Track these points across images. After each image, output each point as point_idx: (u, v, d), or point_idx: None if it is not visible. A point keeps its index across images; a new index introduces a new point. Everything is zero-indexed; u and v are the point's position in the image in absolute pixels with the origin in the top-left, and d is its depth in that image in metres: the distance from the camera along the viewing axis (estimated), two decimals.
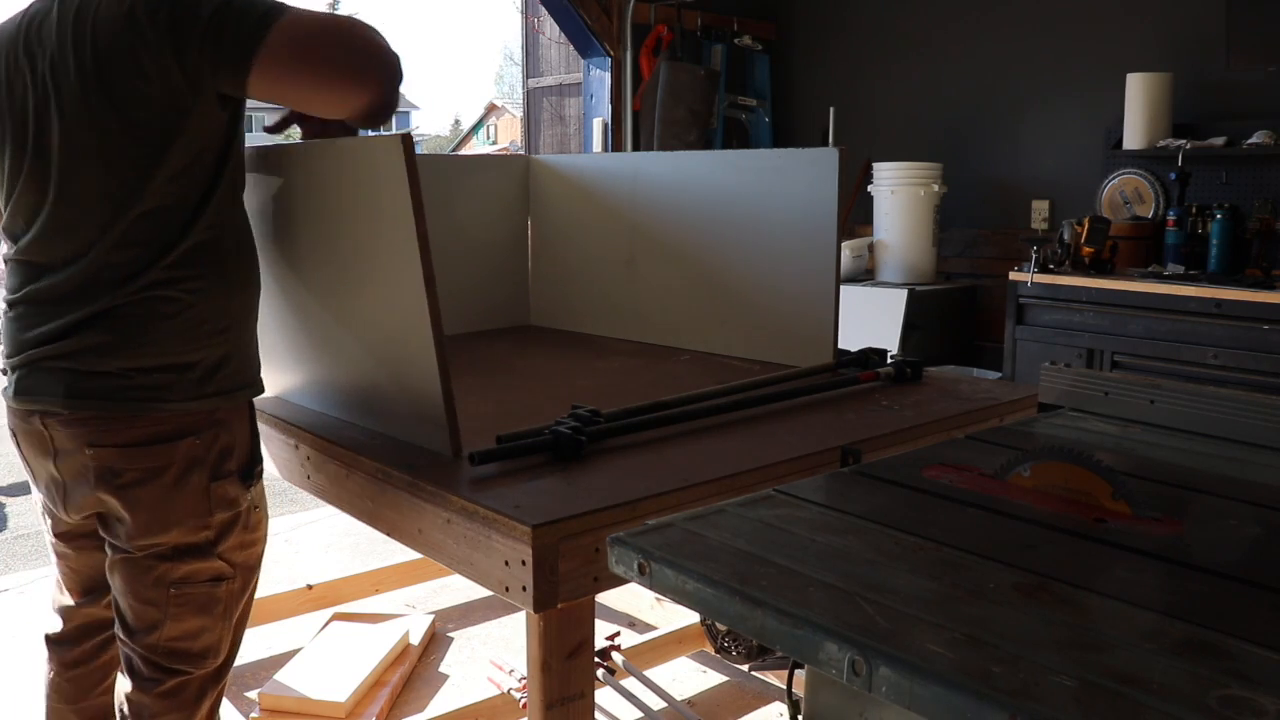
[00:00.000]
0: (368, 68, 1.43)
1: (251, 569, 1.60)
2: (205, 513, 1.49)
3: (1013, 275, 4.14)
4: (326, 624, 2.88)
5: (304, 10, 1.40)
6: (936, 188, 4.76)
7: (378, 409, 1.72)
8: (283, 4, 1.39)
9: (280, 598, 2.93)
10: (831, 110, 4.94)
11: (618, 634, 2.53)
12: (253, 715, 2.44)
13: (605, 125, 5.31)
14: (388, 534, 1.54)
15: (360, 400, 1.77)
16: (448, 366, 1.51)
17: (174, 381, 1.43)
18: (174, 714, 1.53)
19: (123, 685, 1.57)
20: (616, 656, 2.42)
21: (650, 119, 5.15)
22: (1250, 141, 3.94)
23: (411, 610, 3.13)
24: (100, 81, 1.35)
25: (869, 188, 4.93)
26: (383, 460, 1.54)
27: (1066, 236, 4.03)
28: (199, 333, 1.45)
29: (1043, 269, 4.05)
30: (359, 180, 1.58)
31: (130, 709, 1.54)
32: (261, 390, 1.59)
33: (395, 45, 1.46)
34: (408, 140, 1.47)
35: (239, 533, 1.54)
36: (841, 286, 2.17)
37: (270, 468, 1.91)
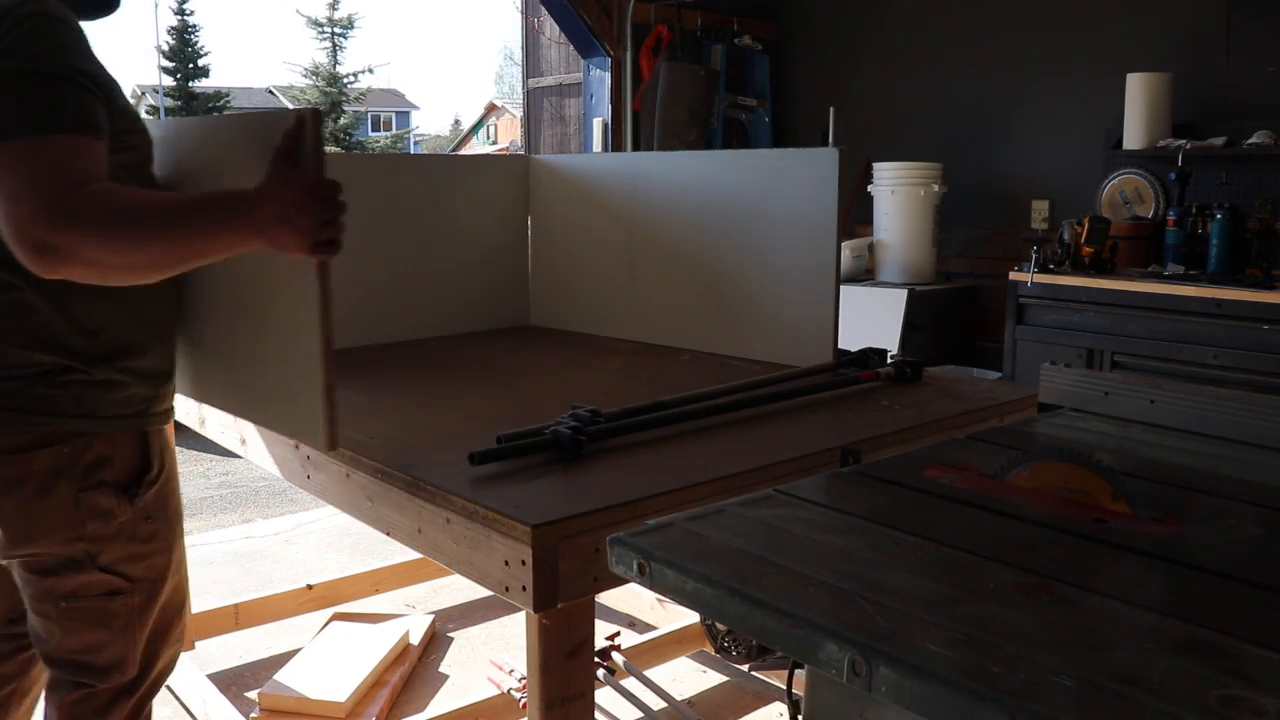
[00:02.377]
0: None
1: (156, 581, 1.53)
2: (76, 524, 1.42)
3: (1013, 275, 4.14)
4: (326, 624, 2.88)
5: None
6: (936, 188, 4.76)
7: (257, 397, 1.63)
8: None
9: (280, 598, 2.93)
10: (831, 110, 4.94)
11: (618, 634, 2.53)
12: (253, 715, 2.44)
13: (605, 125, 5.31)
14: (388, 534, 1.54)
15: (242, 386, 1.66)
16: (332, 352, 1.46)
17: (21, 390, 1.38)
18: None
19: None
20: (616, 656, 2.42)
21: (650, 119, 5.15)
22: (1250, 141, 3.94)
23: (411, 610, 3.13)
24: None
25: (869, 188, 4.93)
26: (383, 460, 1.54)
27: (1066, 236, 4.03)
28: (47, 338, 1.39)
29: (1043, 269, 4.05)
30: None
31: (45, 715, 1.53)
32: (159, 409, 1.52)
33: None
34: (315, 115, 1.40)
35: (125, 545, 1.47)
36: (841, 286, 2.17)
37: (270, 468, 1.91)
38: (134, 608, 1.51)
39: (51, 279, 1.27)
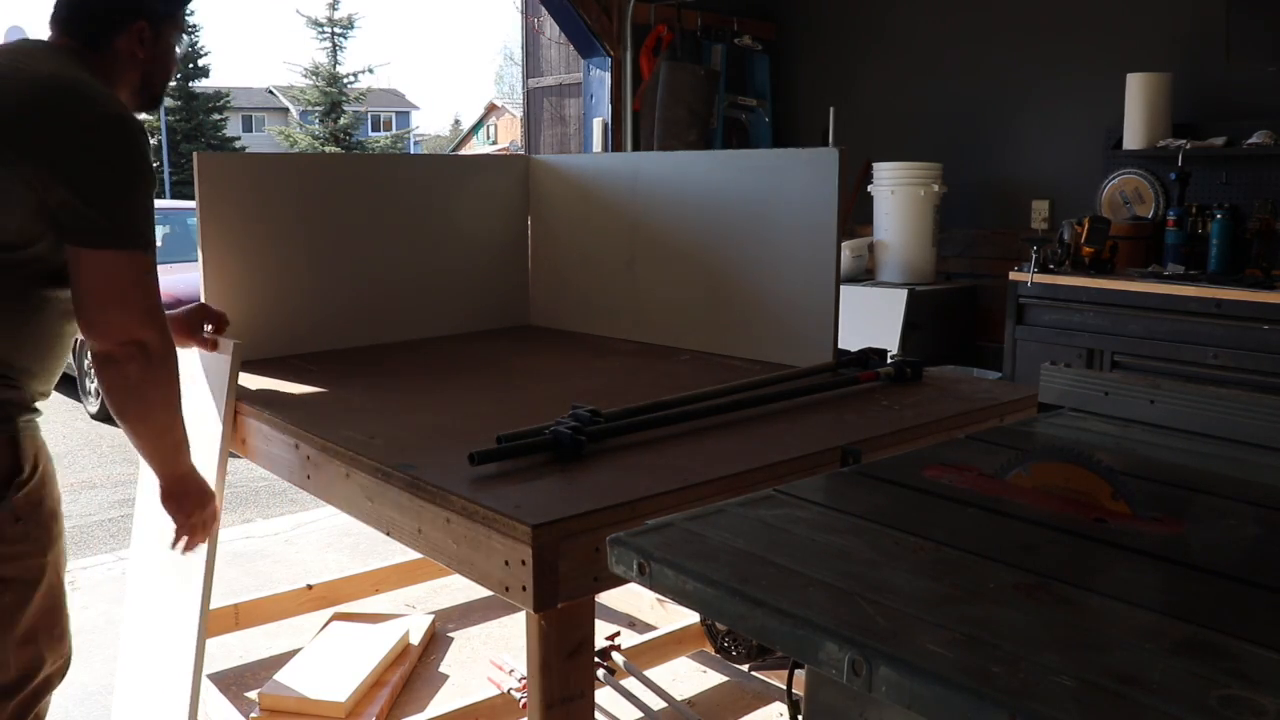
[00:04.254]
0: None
1: (30, 583, 1.53)
2: None
3: (1013, 275, 4.14)
4: (326, 624, 2.88)
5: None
6: (936, 188, 4.76)
7: None
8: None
9: (280, 598, 2.93)
10: (831, 110, 4.94)
11: (618, 634, 2.53)
12: (253, 715, 2.44)
13: (605, 125, 5.31)
14: (388, 534, 1.54)
15: None
16: None
17: None
18: None
19: None
20: (616, 656, 2.42)
21: (650, 119, 5.15)
22: (1250, 141, 3.94)
23: (411, 610, 3.13)
24: None
25: (869, 188, 4.93)
26: (383, 460, 1.54)
27: (1066, 236, 4.03)
28: None
29: (1043, 269, 4.05)
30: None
31: None
32: (27, 413, 1.57)
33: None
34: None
35: None
36: (841, 286, 2.17)
37: (270, 467, 1.91)
38: (7, 608, 1.52)
39: None
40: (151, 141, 1.62)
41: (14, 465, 1.52)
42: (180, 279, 7.00)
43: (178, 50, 1.84)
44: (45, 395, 1.63)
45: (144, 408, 1.60)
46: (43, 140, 1.46)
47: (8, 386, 1.52)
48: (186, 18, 1.84)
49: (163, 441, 1.67)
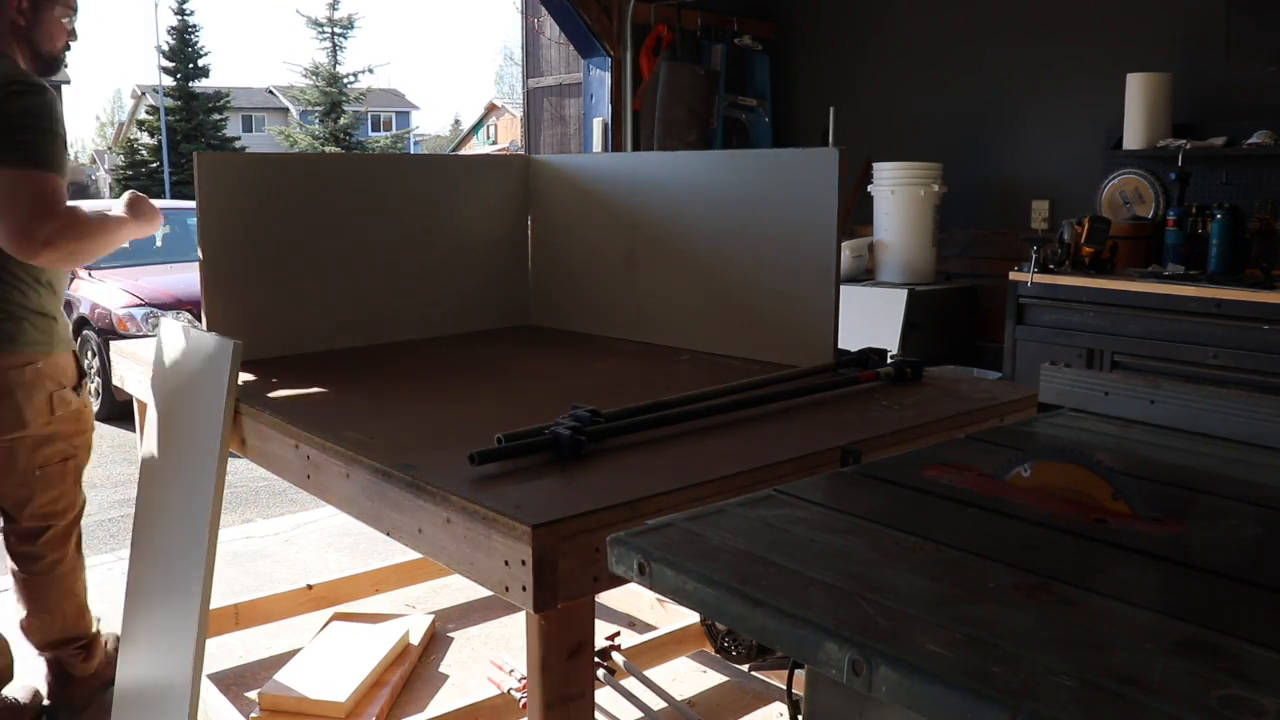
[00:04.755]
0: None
1: (87, 448, 2.44)
2: (49, 413, 2.28)
3: (1013, 275, 4.14)
4: (326, 624, 2.88)
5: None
6: (936, 188, 4.76)
7: None
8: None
9: (280, 598, 2.93)
10: (831, 110, 4.94)
11: (618, 634, 2.53)
12: (253, 715, 2.44)
13: (605, 125, 5.31)
14: (388, 534, 1.54)
15: None
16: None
17: None
18: None
19: None
20: (616, 656, 2.42)
21: (650, 119, 5.15)
22: (1250, 141, 3.94)
23: (411, 610, 3.13)
24: None
25: (869, 188, 4.93)
26: (383, 460, 1.54)
27: (1066, 236, 4.03)
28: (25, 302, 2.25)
29: (1043, 269, 4.05)
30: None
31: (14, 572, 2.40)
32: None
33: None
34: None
35: (72, 423, 2.34)
36: (841, 286, 2.17)
37: (271, 468, 1.91)
38: (78, 466, 2.39)
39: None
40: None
41: (80, 369, 2.40)
42: (180, 279, 7.02)
43: (65, 23, 2.30)
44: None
45: (89, 258, 2.27)
46: None
47: (56, 321, 2.32)
48: None
49: (116, 242, 2.29)
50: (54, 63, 2.30)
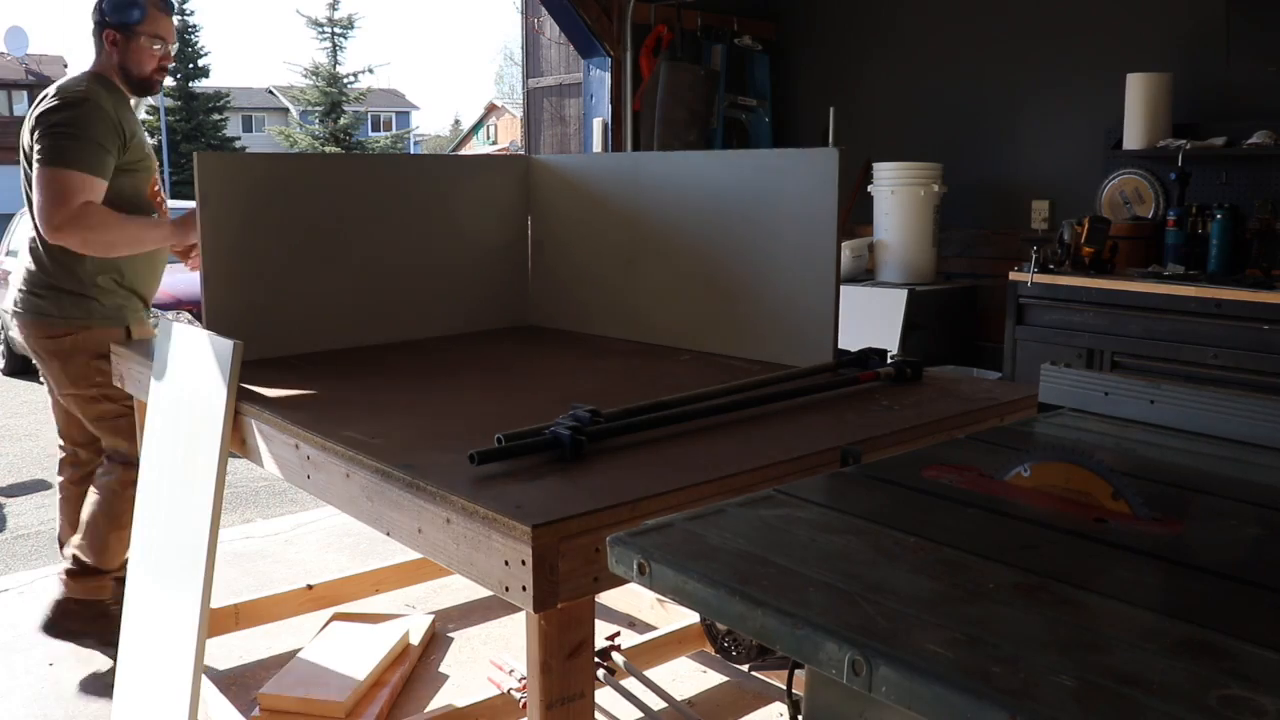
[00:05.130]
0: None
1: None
2: (92, 376, 2.66)
3: (1013, 275, 4.14)
4: (326, 624, 2.88)
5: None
6: (936, 188, 4.76)
7: None
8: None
9: (280, 598, 2.93)
10: (831, 110, 4.94)
11: (618, 634, 2.53)
12: (253, 715, 2.44)
13: (605, 125, 5.31)
14: (388, 534, 1.54)
15: None
16: None
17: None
18: None
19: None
20: (616, 656, 2.42)
21: (650, 119, 5.15)
22: (1250, 141, 3.94)
23: (411, 610, 3.13)
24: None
25: (869, 188, 4.93)
26: (383, 460, 1.54)
27: (1066, 236, 4.03)
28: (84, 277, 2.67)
29: (1043, 269, 4.05)
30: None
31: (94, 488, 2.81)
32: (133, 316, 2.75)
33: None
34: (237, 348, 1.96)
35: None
36: (841, 286, 2.17)
37: (271, 468, 1.91)
38: (131, 425, 2.61)
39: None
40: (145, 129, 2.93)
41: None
42: (180, 279, 6.99)
43: (154, 50, 2.69)
44: (139, 304, 2.79)
45: (110, 250, 2.62)
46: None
47: (126, 291, 2.73)
48: (156, 23, 2.68)
49: (141, 240, 2.65)
50: (146, 84, 2.74)
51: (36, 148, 2.52)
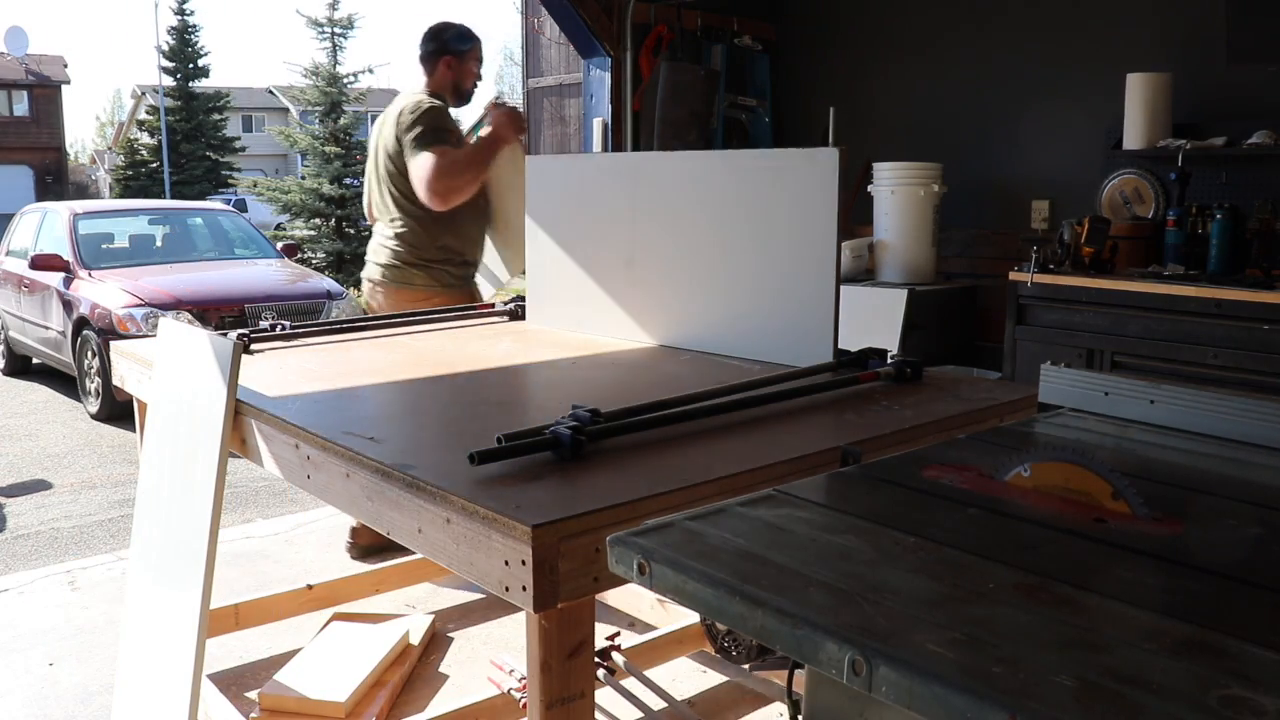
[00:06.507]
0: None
1: None
2: None
3: (1013, 275, 4.14)
4: (326, 624, 2.88)
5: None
6: (936, 188, 4.76)
7: None
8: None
9: (280, 598, 2.93)
10: (831, 110, 4.94)
11: (618, 634, 2.53)
12: (253, 715, 2.44)
13: (605, 125, 5.31)
14: (388, 534, 1.54)
15: None
16: None
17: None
18: None
19: None
20: (616, 656, 2.42)
21: (650, 119, 5.15)
22: (1250, 141, 3.94)
23: (411, 610, 3.13)
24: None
25: (869, 188, 4.93)
26: (383, 460, 1.54)
27: (1066, 237, 4.03)
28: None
29: (1043, 269, 4.05)
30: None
31: None
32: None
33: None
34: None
35: None
36: (841, 286, 2.17)
37: (271, 468, 1.91)
38: None
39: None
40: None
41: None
42: (180, 279, 7.03)
43: (474, 68, 3.47)
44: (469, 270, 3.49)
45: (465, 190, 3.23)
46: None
47: (449, 265, 3.36)
48: (478, 49, 3.49)
49: (485, 163, 3.27)
50: (468, 96, 3.51)
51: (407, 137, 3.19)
